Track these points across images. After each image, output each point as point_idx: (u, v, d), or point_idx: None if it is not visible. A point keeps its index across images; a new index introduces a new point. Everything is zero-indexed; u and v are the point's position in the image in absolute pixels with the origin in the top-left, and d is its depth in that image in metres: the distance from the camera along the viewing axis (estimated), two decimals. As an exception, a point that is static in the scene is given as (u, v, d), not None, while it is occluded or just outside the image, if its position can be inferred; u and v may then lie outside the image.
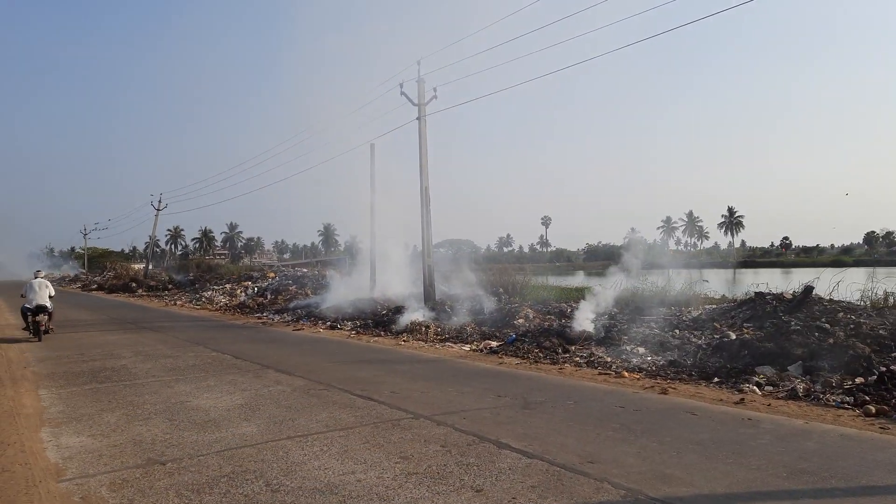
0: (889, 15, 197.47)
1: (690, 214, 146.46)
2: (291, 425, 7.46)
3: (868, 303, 15.01)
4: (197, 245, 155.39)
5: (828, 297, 14.66)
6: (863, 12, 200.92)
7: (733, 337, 12.48)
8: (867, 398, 8.30)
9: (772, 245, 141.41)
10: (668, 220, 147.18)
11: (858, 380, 9.24)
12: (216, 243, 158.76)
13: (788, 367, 10.31)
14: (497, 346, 14.39)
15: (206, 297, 35.40)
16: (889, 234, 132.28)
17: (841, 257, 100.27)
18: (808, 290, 14.37)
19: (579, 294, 20.63)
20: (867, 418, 7.65)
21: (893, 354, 10.55)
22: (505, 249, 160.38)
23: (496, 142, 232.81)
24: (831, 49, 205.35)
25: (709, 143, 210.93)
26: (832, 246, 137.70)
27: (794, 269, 54.93)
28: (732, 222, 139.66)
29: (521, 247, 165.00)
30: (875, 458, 5.98)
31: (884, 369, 9.19)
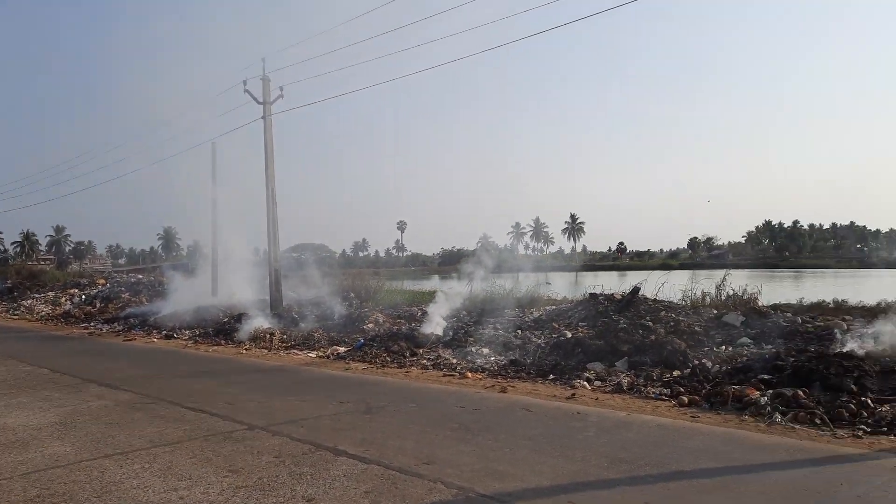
0: (703, 43, 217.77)
1: (537, 220, 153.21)
2: (111, 443, 6.90)
3: (688, 302, 16.39)
4: (18, 250, 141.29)
5: (653, 298, 15.84)
6: (664, 39, 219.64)
7: (569, 336, 13.14)
8: (682, 389, 9.00)
9: (609, 249, 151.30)
10: (517, 226, 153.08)
11: (675, 373, 10.01)
12: (40, 248, 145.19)
13: (616, 363, 10.98)
14: (345, 352, 14.20)
15: (25, 307, 32.23)
16: (709, 239, 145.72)
17: (668, 261, 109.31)
18: (635, 290, 15.44)
19: (431, 297, 20.91)
20: (681, 408, 8.29)
21: (706, 349, 11.57)
22: (361, 254, 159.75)
23: (354, 144, 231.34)
24: (659, 69, 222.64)
25: (556, 151, 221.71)
26: (661, 251, 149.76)
27: (628, 272, 58.83)
28: (574, 228, 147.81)
29: (377, 251, 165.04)
30: (685, 446, 6.48)
31: (696, 362, 10.03)
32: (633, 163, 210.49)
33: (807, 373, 8.41)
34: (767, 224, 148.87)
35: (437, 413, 8.19)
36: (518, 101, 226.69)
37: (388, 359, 12.99)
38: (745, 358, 10.34)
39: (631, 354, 11.14)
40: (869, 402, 7.53)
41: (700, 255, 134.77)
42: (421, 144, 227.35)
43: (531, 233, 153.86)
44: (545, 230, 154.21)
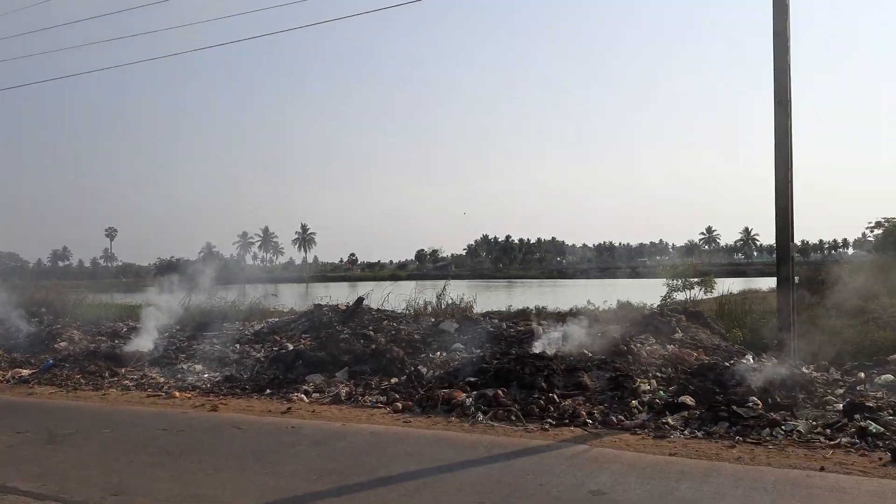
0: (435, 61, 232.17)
1: (266, 230, 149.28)
2: None
3: (411, 311, 17.07)
4: None
5: (377, 308, 16.21)
6: (391, 50, 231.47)
7: (290, 348, 12.84)
8: (397, 396, 9.24)
9: (341, 260, 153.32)
10: (244, 235, 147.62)
11: (393, 380, 10.26)
12: None
13: (336, 374, 10.95)
14: (29, 375, 12.29)
15: None
16: (435, 251, 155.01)
17: (397, 272, 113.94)
18: (359, 301, 15.68)
19: (140, 311, 19.13)
20: (395, 414, 8.49)
21: (423, 355, 12.05)
22: (61, 263, 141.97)
23: (56, 144, 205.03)
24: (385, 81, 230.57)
25: (284, 159, 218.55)
26: (391, 262, 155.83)
27: (359, 283, 59.99)
28: (305, 238, 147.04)
29: (80, 261, 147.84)
30: (396, 451, 6.61)
31: (413, 369, 10.39)
32: (361, 175, 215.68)
33: (506, 373, 9.14)
34: (485, 238, 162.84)
35: (136, 437, 7.40)
36: (251, 106, 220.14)
37: (83, 381, 11.50)
38: (456, 363, 10.95)
39: (352, 364, 11.17)
40: (555, 397, 8.40)
41: (427, 266, 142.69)
42: (139, 144, 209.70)
43: (259, 243, 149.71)
44: (274, 240, 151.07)
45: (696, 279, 20.65)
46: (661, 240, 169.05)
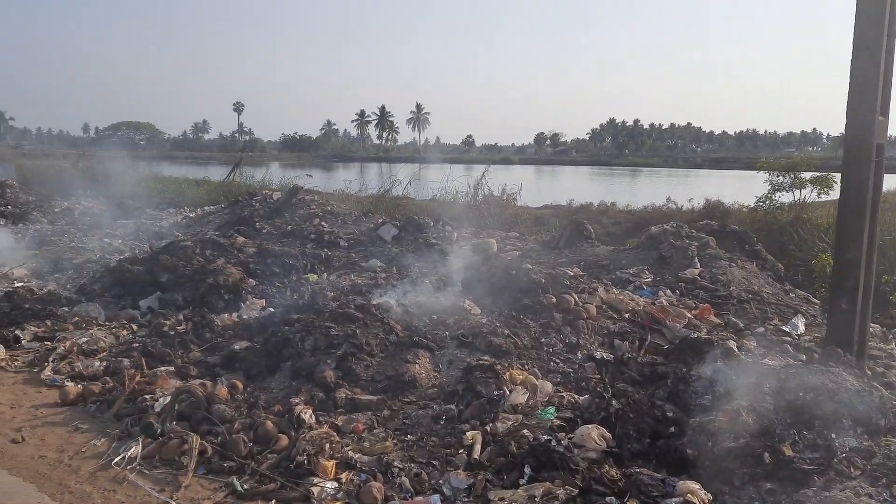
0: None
1: (383, 109, 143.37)
2: None
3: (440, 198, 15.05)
4: None
5: (322, 200, 12.58)
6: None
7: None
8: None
9: (463, 142, 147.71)
10: (362, 114, 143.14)
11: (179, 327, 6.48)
12: None
13: (140, 301, 7.36)
14: None
15: None
16: (556, 135, 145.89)
17: (511, 157, 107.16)
18: (294, 191, 12.14)
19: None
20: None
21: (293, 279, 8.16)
22: (205, 136, 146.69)
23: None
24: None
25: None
26: (512, 145, 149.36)
27: (473, 165, 58.64)
28: (420, 118, 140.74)
29: (221, 133, 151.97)
30: None
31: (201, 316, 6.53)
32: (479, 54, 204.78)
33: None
34: (611, 122, 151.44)
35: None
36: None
37: None
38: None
39: (168, 289, 7.53)
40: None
41: (545, 150, 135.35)
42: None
43: (376, 122, 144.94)
44: (390, 119, 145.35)
45: (809, 175, 15.23)
46: (814, 129, 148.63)
